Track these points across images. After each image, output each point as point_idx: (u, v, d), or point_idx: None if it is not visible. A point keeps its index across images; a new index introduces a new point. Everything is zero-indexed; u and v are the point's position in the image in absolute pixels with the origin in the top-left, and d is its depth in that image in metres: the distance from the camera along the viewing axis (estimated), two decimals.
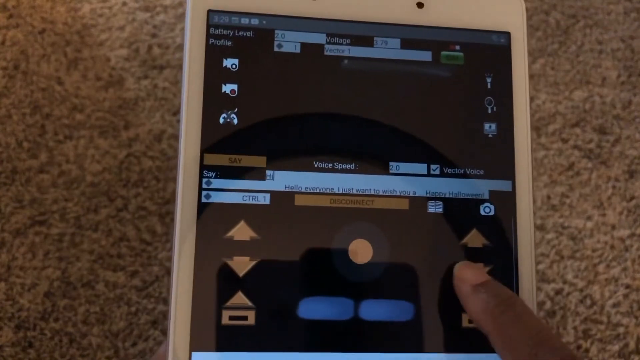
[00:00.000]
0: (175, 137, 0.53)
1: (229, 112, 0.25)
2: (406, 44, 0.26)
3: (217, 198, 0.24)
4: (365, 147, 0.25)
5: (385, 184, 0.25)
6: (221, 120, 0.25)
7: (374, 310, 0.24)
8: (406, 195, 0.25)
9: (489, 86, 0.26)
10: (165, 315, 0.49)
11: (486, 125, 0.26)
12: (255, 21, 0.25)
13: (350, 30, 0.26)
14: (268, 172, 0.25)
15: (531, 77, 0.60)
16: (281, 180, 0.25)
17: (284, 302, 0.24)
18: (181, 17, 0.57)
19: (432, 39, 0.26)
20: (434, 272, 0.25)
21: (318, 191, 0.25)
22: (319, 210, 0.25)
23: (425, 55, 0.26)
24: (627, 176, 0.58)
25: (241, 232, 0.24)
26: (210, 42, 0.25)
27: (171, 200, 0.52)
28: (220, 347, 0.23)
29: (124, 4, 0.57)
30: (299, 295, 0.24)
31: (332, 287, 0.24)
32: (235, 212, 0.24)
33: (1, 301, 0.48)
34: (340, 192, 0.25)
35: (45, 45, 0.55)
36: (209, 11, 0.25)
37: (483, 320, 0.22)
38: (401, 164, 0.25)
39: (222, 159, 0.24)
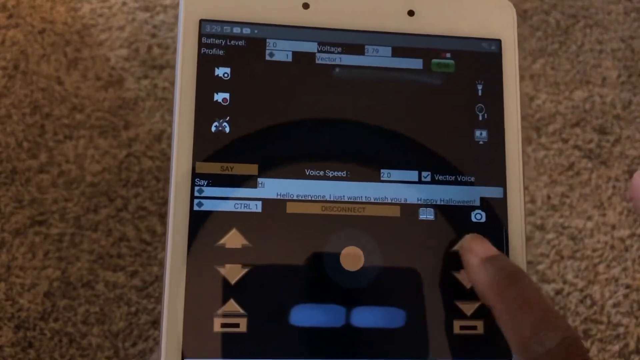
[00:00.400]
0: None
1: (221, 121, 0.25)
2: (397, 52, 0.26)
3: (209, 206, 0.24)
4: (356, 155, 0.25)
5: (377, 192, 0.25)
6: (213, 129, 0.25)
7: (365, 317, 0.24)
8: (397, 202, 0.25)
9: (479, 93, 0.27)
10: None
11: (477, 132, 0.26)
12: (247, 30, 0.26)
13: (341, 39, 0.26)
14: (260, 180, 0.25)
15: (531, 77, 0.60)
16: (273, 188, 0.25)
17: (275, 310, 0.24)
18: None
19: (423, 46, 0.27)
20: (426, 278, 0.25)
21: (309, 199, 0.25)
22: (311, 218, 0.25)
23: (416, 63, 0.26)
24: (627, 176, 0.58)
25: (233, 239, 0.24)
26: (202, 51, 0.25)
27: None
28: (212, 355, 0.23)
29: (124, 4, 0.57)
30: (291, 302, 0.24)
31: (324, 294, 0.24)
32: (227, 220, 0.24)
33: (1, 301, 0.48)
34: (332, 199, 0.25)
35: (45, 45, 0.55)
36: (201, 21, 0.25)
37: (488, 293, 0.22)
38: (392, 171, 0.26)
39: (214, 167, 0.25)
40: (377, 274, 0.25)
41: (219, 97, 0.25)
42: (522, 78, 0.60)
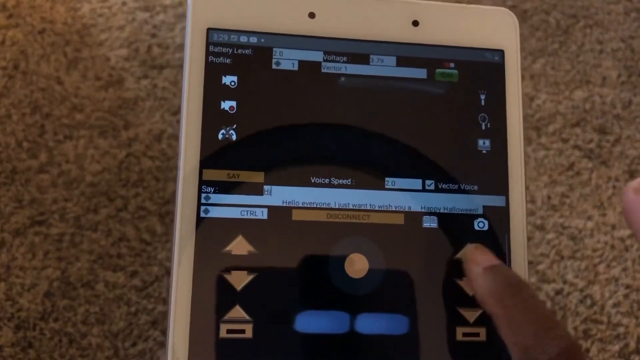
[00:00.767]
0: (175, 137, 0.53)
1: (228, 129, 0.25)
2: (402, 62, 0.27)
3: (215, 213, 0.25)
4: (361, 163, 0.26)
5: (381, 199, 0.26)
6: (220, 136, 0.25)
7: (370, 323, 0.24)
8: (401, 210, 0.26)
9: (482, 103, 0.27)
10: (164, 315, 0.49)
11: (480, 142, 0.26)
12: (253, 39, 0.26)
13: (346, 48, 0.26)
14: (266, 187, 0.25)
15: (531, 77, 0.60)
16: (279, 195, 0.25)
17: (281, 316, 0.24)
18: (181, 16, 0.57)
19: (427, 56, 0.27)
20: (429, 285, 0.25)
21: (315, 206, 0.25)
22: (316, 225, 0.25)
23: (421, 73, 0.27)
24: (627, 176, 0.58)
25: (239, 246, 0.24)
26: (209, 59, 0.26)
27: (171, 200, 0.52)
28: None
29: (124, 3, 0.57)
30: (296, 309, 0.24)
31: (329, 301, 0.24)
32: (233, 227, 0.25)
33: (1, 301, 0.48)
34: (337, 207, 0.25)
35: (45, 45, 0.55)
36: (209, 29, 0.26)
37: (490, 302, 0.22)
38: (397, 180, 0.26)
39: (220, 175, 0.25)
40: (381, 281, 0.25)
41: (226, 105, 0.25)
42: (522, 78, 0.60)
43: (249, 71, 0.26)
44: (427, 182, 0.26)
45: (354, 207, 0.25)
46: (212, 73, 0.25)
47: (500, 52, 0.27)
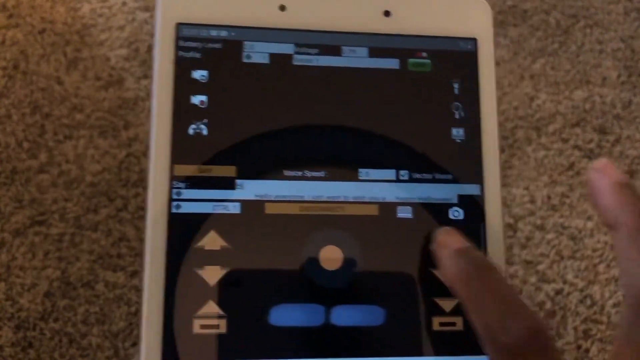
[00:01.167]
0: None
1: (199, 123, 0.25)
2: (374, 53, 0.27)
3: (187, 208, 0.25)
4: (334, 155, 0.26)
5: (355, 191, 0.25)
6: (191, 131, 0.25)
7: (345, 315, 0.24)
8: (376, 201, 0.26)
9: (456, 92, 0.27)
10: None
11: (454, 131, 0.26)
12: (223, 33, 0.26)
13: (318, 40, 0.26)
14: (238, 181, 0.25)
15: (531, 77, 0.60)
16: (251, 189, 0.25)
17: (255, 310, 0.24)
18: None
19: (399, 46, 0.27)
20: (405, 276, 0.25)
21: (288, 199, 0.25)
22: (290, 218, 0.25)
23: (393, 63, 0.27)
24: (627, 176, 0.58)
25: (212, 241, 0.24)
26: (179, 54, 0.25)
27: None
28: (192, 357, 0.23)
29: (124, 4, 0.57)
30: (271, 302, 0.24)
31: (304, 293, 0.24)
32: (205, 222, 0.24)
33: (1, 301, 0.48)
34: (310, 199, 0.25)
35: (45, 45, 0.55)
36: (178, 24, 0.25)
37: (456, 284, 0.22)
38: (370, 171, 0.26)
39: (192, 170, 0.25)
40: (356, 273, 0.25)
41: (196, 99, 0.25)
42: (522, 78, 0.60)
43: (219, 65, 0.26)
44: (401, 172, 0.26)
45: (328, 200, 0.25)
46: (182, 68, 0.25)
47: (473, 41, 0.27)
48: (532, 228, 0.55)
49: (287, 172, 0.25)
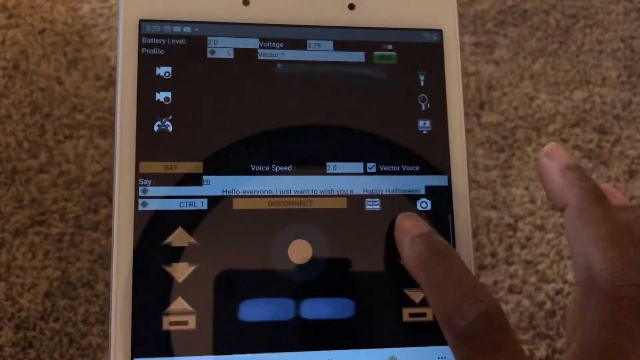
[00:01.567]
0: None
1: (164, 120, 0.25)
2: (339, 46, 0.27)
3: (153, 205, 0.25)
4: (301, 149, 0.26)
5: (323, 184, 0.26)
6: (156, 128, 0.25)
7: (315, 308, 0.24)
8: (344, 194, 0.26)
9: (422, 84, 0.27)
10: None
11: (420, 122, 0.26)
12: (187, 29, 0.26)
13: (283, 34, 0.26)
14: (204, 177, 0.25)
15: (531, 77, 0.60)
16: (218, 185, 0.25)
17: (224, 306, 0.24)
18: None
19: (365, 39, 0.27)
20: (374, 268, 0.25)
21: (256, 194, 0.25)
22: (258, 213, 0.25)
23: (358, 56, 0.27)
24: (627, 176, 0.58)
25: (179, 238, 0.24)
26: (142, 51, 0.25)
27: None
28: (162, 353, 0.23)
29: None
30: (240, 298, 0.24)
31: (273, 288, 0.24)
32: (172, 219, 0.24)
33: (1, 301, 0.48)
34: (278, 194, 0.25)
35: (45, 45, 0.55)
36: (141, 21, 0.26)
37: (416, 270, 0.23)
38: (338, 164, 0.26)
39: (157, 167, 0.25)
40: (325, 266, 0.25)
41: (161, 96, 0.25)
42: (522, 78, 0.60)
43: (183, 61, 0.25)
44: (369, 165, 0.26)
45: (296, 194, 0.25)
46: (145, 65, 0.25)
47: (439, 32, 0.27)
48: (532, 228, 0.55)
49: (254, 167, 0.25)
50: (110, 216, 0.51)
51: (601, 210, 0.22)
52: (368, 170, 0.26)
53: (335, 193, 0.26)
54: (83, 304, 0.48)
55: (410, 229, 0.24)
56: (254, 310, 0.24)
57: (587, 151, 0.58)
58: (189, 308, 0.24)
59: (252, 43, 0.26)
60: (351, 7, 0.27)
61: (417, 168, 0.26)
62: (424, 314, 0.25)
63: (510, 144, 0.57)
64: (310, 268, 0.25)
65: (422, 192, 0.26)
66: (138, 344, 0.23)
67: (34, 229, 0.50)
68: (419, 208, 0.26)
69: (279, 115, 0.26)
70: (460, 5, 0.61)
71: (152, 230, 0.24)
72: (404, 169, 0.26)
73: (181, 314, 0.24)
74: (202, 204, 0.25)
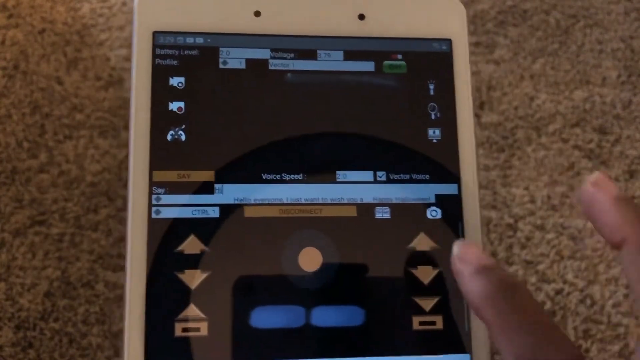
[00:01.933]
0: None
1: (177, 129, 0.26)
2: (349, 56, 0.27)
3: (167, 213, 0.25)
4: (312, 158, 0.26)
5: (333, 193, 0.26)
6: (169, 138, 0.25)
7: (325, 316, 0.25)
8: (354, 202, 0.26)
9: (432, 92, 0.27)
10: None
11: (430, 131, 0.27)
12: (200, 40, 0.26)
13: (293, 45, 0.27)
14: (217, 186, 0.25)
15: (531, 77, 0.60)
16: (230, 193, 0.25)
17: (236, 313, 0.24)
18: None
19: (374, 49, 0.27)
20: (384, 276, 0.25)
21: (267, 202, 0.25)
22: (269, 221, 0.25)
23: (368, 66, 0.27)
24: (627, 176, 0.58)
25: (191, 245, 0.25)
26: (156, 62, 0.26)
27: None
28: (174, 359, 0.24)
29: (124, 4, 0.57)
30: (251, 305, 0.24)
31: (284, 295, 0.25)
32: (185, 227, 0.25)
33: (1, 301, 0.48)
34: (289, 202, 0.26)
35: (45, 45, 0.55)
36: (155, 33, 0.26)
37: (482, 306, 0.21)
38: (348, 172, 0.26)
39: (170, 175, 0.25)
40: (336, 274, 0.25)
41: (174, 106, 0.26)
42: (522, 78, 0.60)
43: (196, 72, 0.26)
44: (379, 173, 0.26)
45: (306, 202, 0.26)
46: (159, 75, 0.26)
47: (448, 42, 0.28)
48: (532, 228, 0.55)
49: (265, 176, 0.26)
50: (110, 216, 0.51)
51: None
52: (378, 179, 0.26)
53: (345, 201, 0.26)
54: (83, 304, 0.48)
55: (472, 260, 0.22)
56: (264, 318, 0.24)
57: (587, 151, 0.58)
58: (201, 315, 0.24)
59: (263, 53, 0.26)
60: (361, 17, 0.27)
61: (427, 176, 0.26)
62: (434, 322, 0.25)
63: (510, 144, 0.57)
64: (321, 276, 0.25)
65: (432, 200, 0.26)
66: (151, 350, 0.23)
67: (34, 229, 0.50)
68: (429, 216, 0.26)
69: (289, 124, 0.26)
70: None
71: (165, 237, 0.25)
72: (413, 178, 0.26)
73: (193, 321, 0.24)
74: (214, 212, 0.25)
